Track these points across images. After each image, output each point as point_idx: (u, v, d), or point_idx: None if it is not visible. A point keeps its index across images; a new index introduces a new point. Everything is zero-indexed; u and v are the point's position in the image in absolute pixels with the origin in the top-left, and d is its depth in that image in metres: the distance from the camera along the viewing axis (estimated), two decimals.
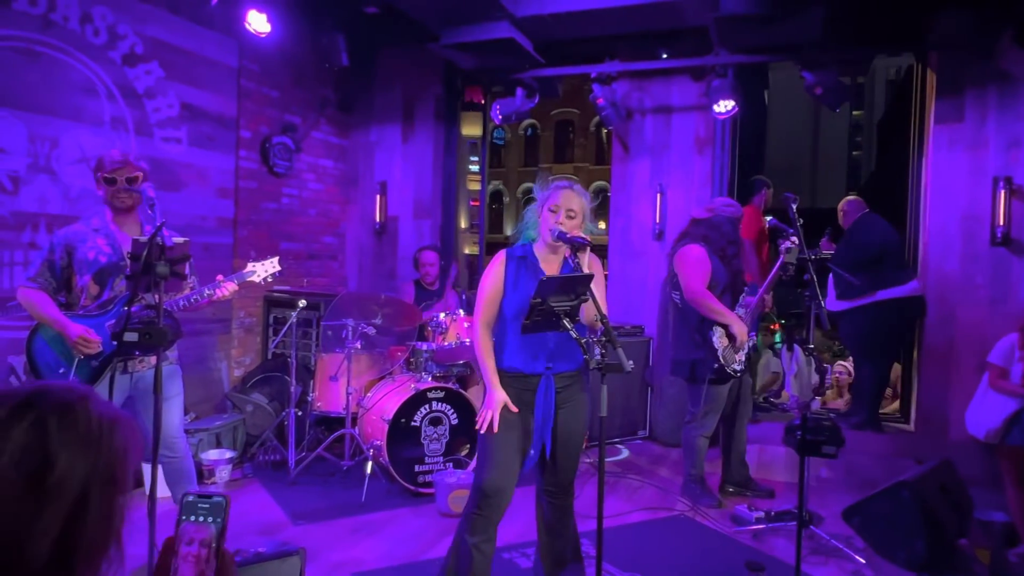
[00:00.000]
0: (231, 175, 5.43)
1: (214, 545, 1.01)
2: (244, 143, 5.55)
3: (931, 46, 5.19)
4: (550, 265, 2.68)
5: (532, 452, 2.65)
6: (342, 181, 6.73)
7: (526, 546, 3.41)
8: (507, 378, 2.63)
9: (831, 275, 5.35)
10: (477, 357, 2.67)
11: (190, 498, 1.02)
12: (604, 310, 2.44)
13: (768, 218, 5.70)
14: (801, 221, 2.97)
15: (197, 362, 5.20)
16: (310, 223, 6.36)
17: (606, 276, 4.21)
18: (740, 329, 3.92)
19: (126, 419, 0.95)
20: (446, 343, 4.55)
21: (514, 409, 2.58)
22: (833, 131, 33.40)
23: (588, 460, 4.49)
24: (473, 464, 4.29)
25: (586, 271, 2.43)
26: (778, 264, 3.75)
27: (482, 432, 2.57)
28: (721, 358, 3.95)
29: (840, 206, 5.51)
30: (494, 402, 2.57)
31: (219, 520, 1.00)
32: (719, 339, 3.95)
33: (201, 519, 1.00)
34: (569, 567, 2.80)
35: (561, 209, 2.59)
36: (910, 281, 5.07)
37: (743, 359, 4.03)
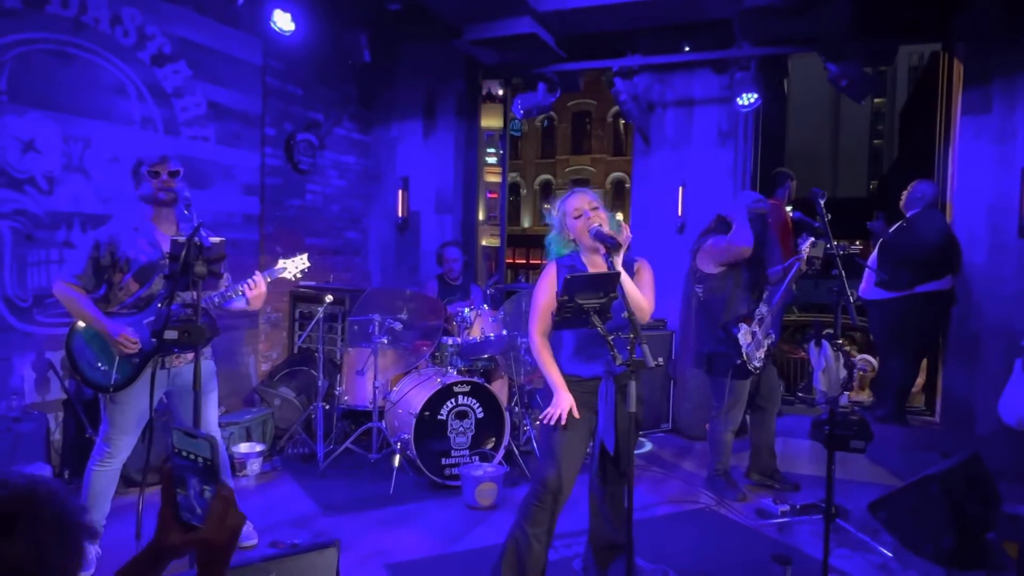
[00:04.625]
0: (257, 172, 5.51)
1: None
2: (269, 140, 5.62)
3: (958, 36, 5.13)
4: (599, 268, 2.73)
5: (594, 451, 2.75)
6: (364, 177, 6.79)
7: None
8: (567, 382, 2.70)
9: (871, 259, 5.26)
10: (540, 365, 2.75)
11: (179, 435, 1.05)
12: (648, 307, 2.66)
13: (791, 211, 5.67)
14: (829, 216, 2.98)
15: (225, 356, 5.29)
16: (333, 219, 6.43)
17: None
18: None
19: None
20: (471, 338, 4.60)
21: (577, 415, 2.64)
22: (854, 120, 33.01)
23: None
24: (499, 457, 4.35)
25: (618, 269, 2.48)
26: (794, 266, 3.80)
27: (550, 424, 2.64)
28: (744, 354, 3.96)
29: (913, 186, 5.19)
30: (562, 403, 2.63)
31: (206, 459, 1.04)
32: (744, 335, 3.96)
33: (191, 457, 1.04)
34: (620, 555, 2.86)
35: (582, 210, 2.72)
36: (947, 276, 5.01)
37: (763, 356, 4.04)
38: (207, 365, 3.20)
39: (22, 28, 3.88)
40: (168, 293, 2.66)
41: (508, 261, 11.77)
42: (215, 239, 2.63)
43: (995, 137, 4.97)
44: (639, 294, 2.66)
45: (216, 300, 3.04)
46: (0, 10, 3.76)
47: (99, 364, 2.94)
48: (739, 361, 3.95)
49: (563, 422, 2.61)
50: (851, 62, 5.01)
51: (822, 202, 2.98)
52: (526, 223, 33.43)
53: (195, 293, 2.56)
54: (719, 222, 4.14)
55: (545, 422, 2.66)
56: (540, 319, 2.74)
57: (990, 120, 4.98)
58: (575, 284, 2.41)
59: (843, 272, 2.78)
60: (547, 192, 32.92)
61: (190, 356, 3.05)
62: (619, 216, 2.93)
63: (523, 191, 34.07)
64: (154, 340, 2.86)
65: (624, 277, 2.54)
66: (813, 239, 3.69)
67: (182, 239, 2.54)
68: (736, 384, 4.06)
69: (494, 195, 21.69)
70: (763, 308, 4.04)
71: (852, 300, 2.76)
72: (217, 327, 3.07)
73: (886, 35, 5.41)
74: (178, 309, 2.80)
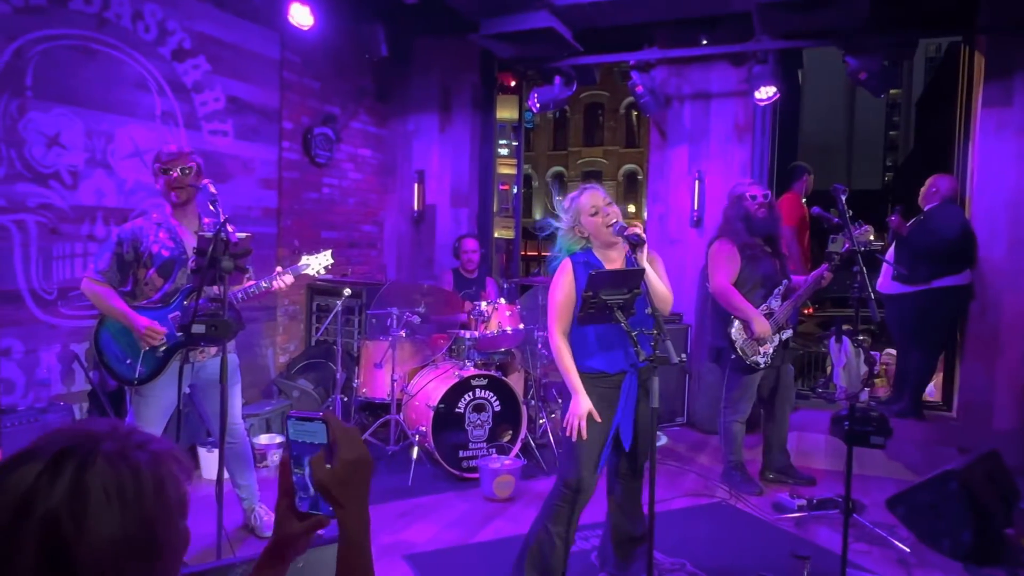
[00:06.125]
0: (275, 166, 5.54)
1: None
2: (287, 134, 5.65)
3: (980, 29, 5.07)
4: (613, 263, 2.72)
5: (609, 447, 2.76)
6: (380, 170, 6.81)
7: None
8: (590, 379, 2.68)
9: (888, 253, 5.23)
10: (558, 365, 2.72)
11: (294, 422, 1.01)
12: (671, 296, 2.69)
13: (807, 205, 5.64)
14: (850, 212, 2.97)
15: (244, 349, 5.35)
16: (350, 212, 6.46)
17: None
18: (760, 326, 3.95)
19: (171, 457, 0.85)
20: (488, 331, 4.63)
21: (598, 419, 2.64)
22: (869, 110, 32.69)
23: None
24: (516, 450, 4.38)
25: (643, 266, 2.49)
26: (819, 271, 3.81)
27: (572, 440, 2.64)
28: (739, 350, 4.03)
29: (930, 181, 5.12)
30: (580, 408, 2.62)
31: (323, 442, 0.99)
32: (736, 331, 4.02)
33: (308, 440, 1.01)
34: (640, 546, 2.89)
35: (599, 207, 2.69)
36: (965, 270, 4.97)
37: (769, 351, 4.05)
38: (231, 359, 3.24)
39: (46, 24, 3.92)
40: (196, 287, 2.70)
41: (521, 254, 11.80)
42: (241, 234, 2.67)
43: (1017, 131, 4.92)
44: (663, 286, 2.67)
45: (240, 296, 3.08)
46: (25, 7, 3.80)
47: (126, 359, 2.99)
48: (733, 356, 4.00)
49: (583, 433, 2.61)
50: (871, 56, 4.97)
51: (843, 198, 2.97)
52: (538, 215, 33.39)
53: (221, 287, 2.60)
54: (724, 217, 4.19)
55: (567, 435, 2.66)
56: (559, 318, 2.70)
57: (1012, 114, 4.93)
58: (600, 280, 2.43)
59: (864, 268, 2.78)
60: (560, 184, 32.87)
61: (213, 350, 3.10)
62: (631, 208, 2.94)
63: (535, 183, 34.02)
64: (179, 334, 2.90)
65: (648, 272, 2.55)
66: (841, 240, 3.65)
67: (209, 234, 2.57)
68: (741, 377, 4.11)
69: (505, 187, 21.70)
70: (773, 303, 4.05)
71: (873, 296, 2.76)
72: (243, 321, 3.11)
73: (906, 28, 5.36)
74: (204, 303, 2.84)
